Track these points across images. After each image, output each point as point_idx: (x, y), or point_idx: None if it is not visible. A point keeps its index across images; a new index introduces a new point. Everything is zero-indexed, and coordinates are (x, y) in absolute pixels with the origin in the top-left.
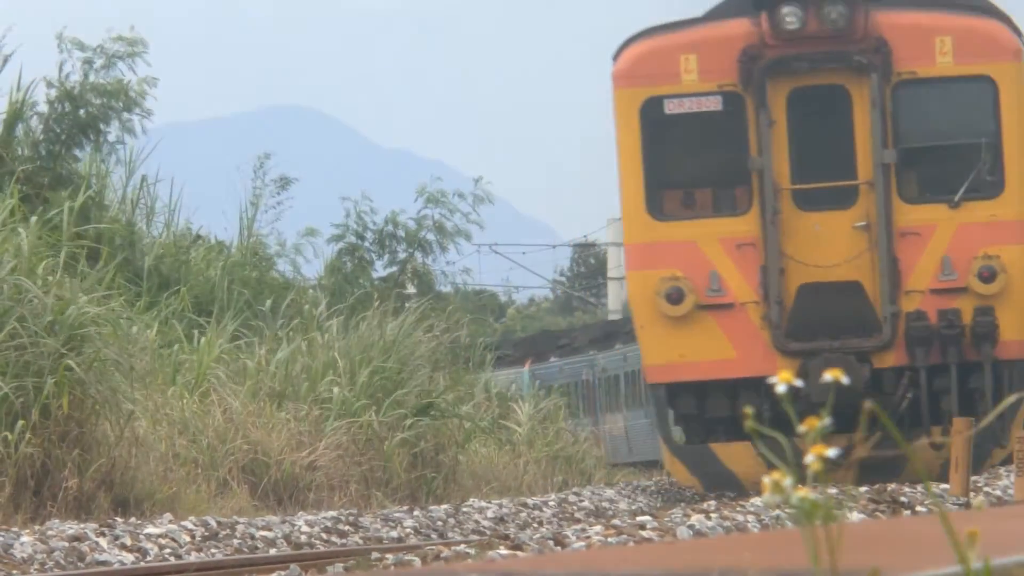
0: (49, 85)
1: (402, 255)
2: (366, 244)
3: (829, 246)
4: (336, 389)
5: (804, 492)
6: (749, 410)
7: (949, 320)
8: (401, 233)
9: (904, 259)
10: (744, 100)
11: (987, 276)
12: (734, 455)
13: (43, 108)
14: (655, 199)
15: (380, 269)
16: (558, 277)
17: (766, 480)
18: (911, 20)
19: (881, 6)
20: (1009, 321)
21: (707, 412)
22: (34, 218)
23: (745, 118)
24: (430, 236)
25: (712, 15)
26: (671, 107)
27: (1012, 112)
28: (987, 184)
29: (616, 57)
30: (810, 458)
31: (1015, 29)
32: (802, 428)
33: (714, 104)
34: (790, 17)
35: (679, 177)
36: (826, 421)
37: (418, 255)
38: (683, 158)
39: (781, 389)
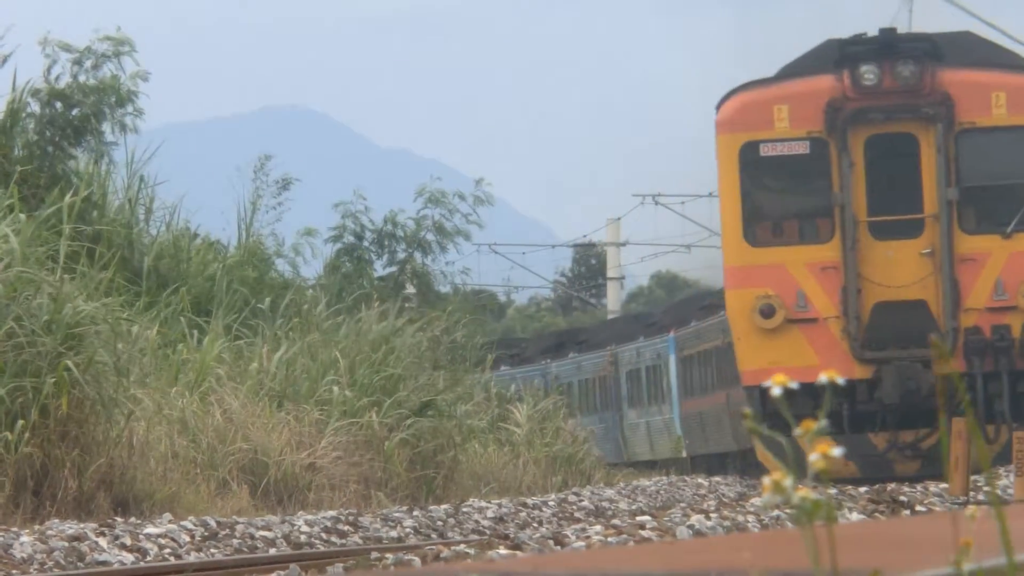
0: (35, 92)
1: (401, 255)
2: (365, 244)
3: (899, 270)
4: (336, 389)
5: (804, 492)
6: (748, 411)
7: (1001, 334)
8: (400, 233)
9: (963, 281)
10: (828, 145)
11: None
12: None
13: (36, 110)
14: (751, 228)
15: (379, 269)
16: (559, 277)
17: (765, 480)
18: (971, 78)
19: (945, 65)
20: None
21: (794, 410)
22: (23, 215)
23: (828, 160)
24: (430, 236)
25: (795, 71)
26: (766, 150)
27: None
28: None
29: (719, 107)
30: (813, 456)
31: None
32: (798, 431)
33: (802, 148)
34: (868, 75)
35: (771, 209)
36: (823, 423)
37: (417, 255)
38: (775, 193)
39: (776, 391)
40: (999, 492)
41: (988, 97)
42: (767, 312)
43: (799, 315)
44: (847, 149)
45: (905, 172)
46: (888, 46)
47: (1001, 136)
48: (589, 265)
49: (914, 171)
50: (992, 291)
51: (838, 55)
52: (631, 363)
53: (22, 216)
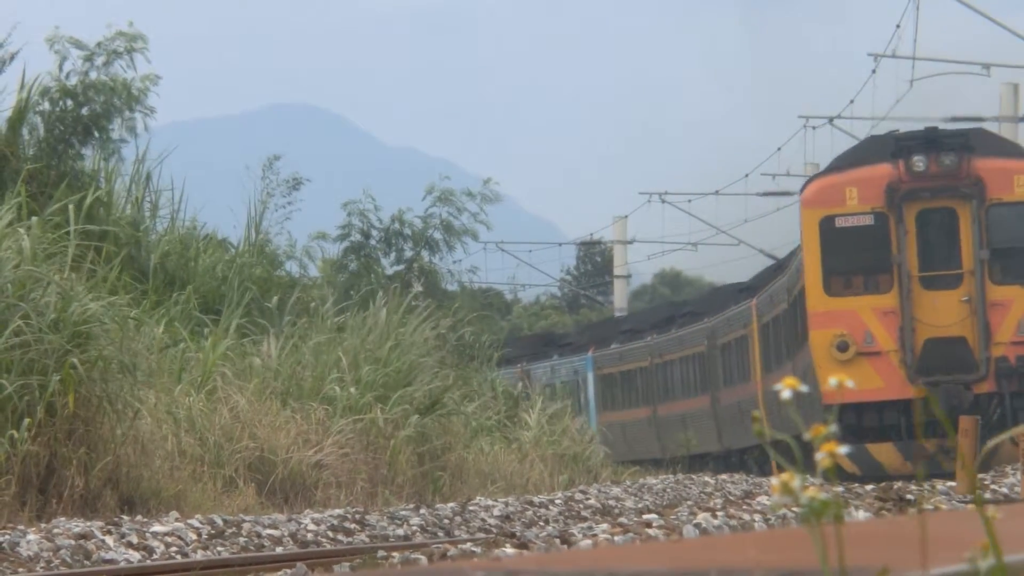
0: (43, 92)
1: (409, 253)
2: (372, 242)
3: (944, 313)
4: (339, 388)
5: (813, 492)
6: (757, 414)
7: None
8: (408, 232)
9: (993, 322)
10: (888, 217)
11: None
12: (881, 451)
13: (46, 107)
14: (828, 282)
15: (387, 267)
16: (565, 275)
17: (774, 481)
18: (998, 164)
19: (976, 155)
20: None
21: (863, 423)
22: (35, 218)
23: (888, 229)
24: (437, 235)
25: (856, 161)
26: (839, 222)
27: None
28: None
29: (803, 190)
30: (820, 455)
31: None
32: (808, 435)
33: (868, 220)
34: (918, 163)
35: (844, 267)
36: (832, 428)
37: (425, 254)
38: (847, 255)
39: (786, 395)
40: (1006, 490)
41: (1011, 179)
42: (843, 347)
43: (867, 349)
44: (903, 220)
45: (947, 237)
46: (932, 141)
47: (1022, 209)
48: (595, 263)
49: (954, 237)
50: (1016, 329)
51: (894, 148)
52: (544, 379)
53: (33, 218)
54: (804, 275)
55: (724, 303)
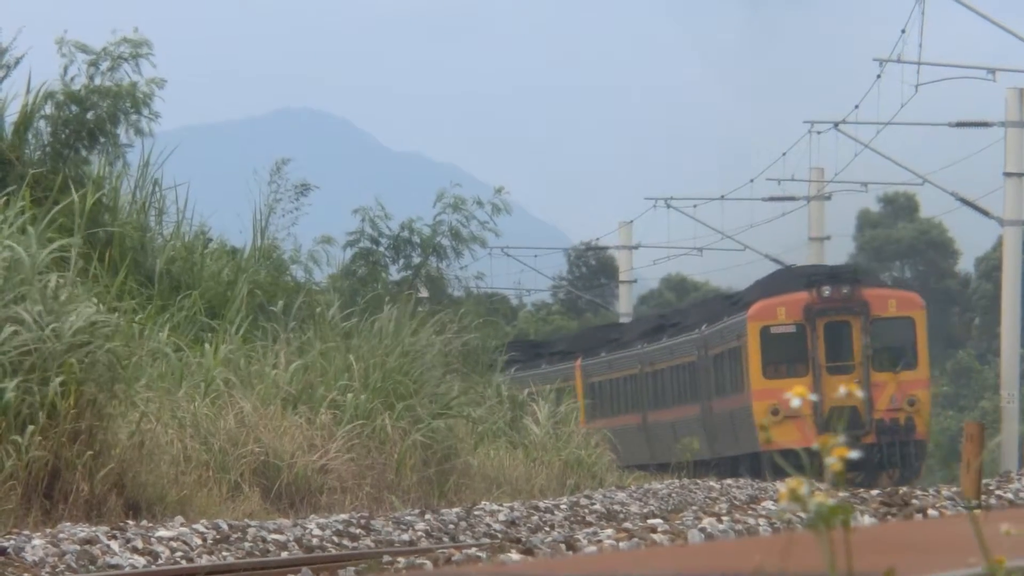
0: (49, 95)
1: (417, 260)
2: (381, 248)
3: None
4: (351, 396)
5: (822, 497)
6: (765, 421)
7: (895, 422)
8: (416, 239)
9: (875, 397)
10: (805, 327)
11: (912, 404)
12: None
13: (50, 111)
14: (766, 369)
15: (394, 273)
16: (558, 280)
17: (781, 487)
18: (878, 292)
19: (863, 285)
20: (920, 424)
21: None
22: (26, 215)
23: (805, 335)
24: (445, 241)
25: (783, 288)
26: (773, 330)
27: (922, 332)
28: (910, 363)
29: (748, 308)
30: (831, 459)
31: (922, 296)
32: (816, 446)
33: (792, 329)
34: (825, 291)
35: (776, 360)
36: (841, 438)
37: (432, 260)
38: (778, 352)
39: (795, 403)
40: (1012, 495)
41: (886, 302)
42: (775, 413)
43: (792, 414)
44: (815, 329)
45: (844, 341)
46: (835, 276)
47: (893, 322)
48: (589, 266)
49: (849, 340)
50: (889, 402)
51: (808, 281)
52: None
53: (30, 229)
54: (748, 365)
55: (530, 358)
